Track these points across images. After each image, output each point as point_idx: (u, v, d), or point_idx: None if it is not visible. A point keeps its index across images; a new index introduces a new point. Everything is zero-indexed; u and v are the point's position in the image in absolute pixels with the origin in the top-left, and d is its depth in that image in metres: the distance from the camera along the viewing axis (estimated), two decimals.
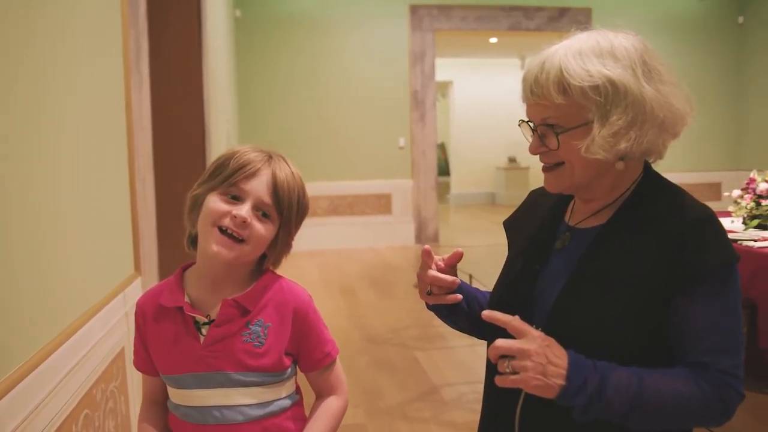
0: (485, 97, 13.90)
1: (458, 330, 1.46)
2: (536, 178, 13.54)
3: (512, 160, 14.01)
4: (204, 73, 4.24)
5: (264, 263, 1.34)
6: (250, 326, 1.27)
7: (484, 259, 6.26)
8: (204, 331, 1.27)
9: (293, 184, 1.29)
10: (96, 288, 1.84)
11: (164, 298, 1.31)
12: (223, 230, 1.24)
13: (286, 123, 8.29)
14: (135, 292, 2.19)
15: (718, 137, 9.24)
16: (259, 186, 1.26)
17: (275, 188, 1.26)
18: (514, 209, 1.49)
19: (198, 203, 1.28)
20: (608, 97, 1.13)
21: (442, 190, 12.46)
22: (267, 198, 1.26)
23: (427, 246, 1.30)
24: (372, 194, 8.64)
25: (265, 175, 1.27)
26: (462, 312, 1.38)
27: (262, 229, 1.26)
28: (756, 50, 9.08)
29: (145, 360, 1.35)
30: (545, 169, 1.25)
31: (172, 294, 1.31)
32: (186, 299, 1.30)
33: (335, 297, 5.91)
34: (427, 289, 1.32)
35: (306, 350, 1.33)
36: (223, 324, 1.27)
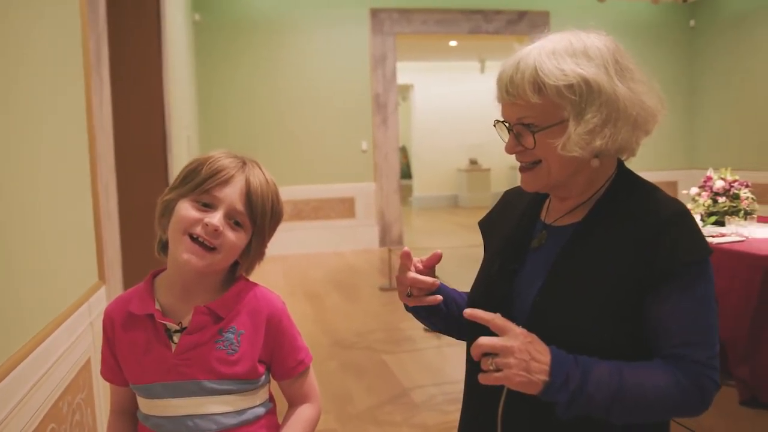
0: (446, 100, 14.00)
1: (436, 331, 1.46)
2: (498, 180, 13.75)
3: (473, 162, 14.11)
4: (164, 77, 4.17)
5: (237, 270, 1.32)
6: (223, 333, 1.25)
7: (449, 260, 6.25)
8: (175, 338, 1.24)
9: (267, 192, 1.27)
10: (60, 298, 1.79)
11: (134, 306, 1.27)
12: (194, 238, 1.22)
13: (248, 127, 8.22)
14: (100, 301, 2.14)
15: (673, 137, 9.46)
16: (232, 193, 1.23)
17: (249, 196, 1.24)
18: (488, 210, 1.50)
19: (169, 208, 1.25)
20: (583, 95, 1.15)
21: (405, 193, 12.48)
22: (240, 206, 1.24)
23: (406, 248, 1.29)
24: (336, 198, 8.62)
25: (239, 182, 1.24)
26: (441, 313, 1.38)
27: (234, 237, 1.23)
28: (707, 52, 9.32)
29: (113, 369, 1.31)
30: (522, 169, 1.25)
31: (142, 301, 1.27)
32: (156, 306, 1.27)
33: (301, 302, 5.87)
34: (407, 291, 1.31)
35: (279, 358, 1.31)
36: (195, 331, 1.24)
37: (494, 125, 1.26)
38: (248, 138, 8.10)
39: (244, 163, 1.27)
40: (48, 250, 1.69)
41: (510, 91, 1.19)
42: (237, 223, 1.24)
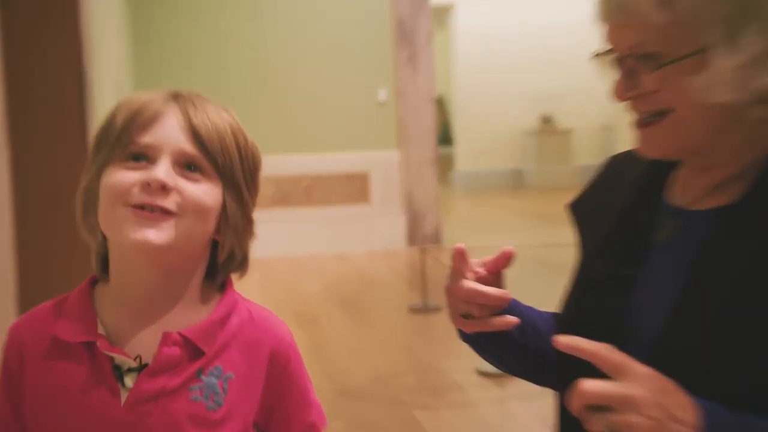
0: (503, 27, 14.09)
1: (505, 370, 1.50)
2: (584, 147, 13.82)
3: (547, 120, 14.19)
4: None
5: (217, 274, 1.30)
6: (203, 377, 1.24)
7: (512, 267, 6.25)
8: (128, 381, 1.22)
9: (222, 123, 1.26)
10: None
11: (62, 327, 1.24)
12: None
13: (211, 70, 8.28)
14: None
15: None
16: (169, 132, 1.22)
17: (194, 131, 1.23)
18: (580, 189, 1.53)
19: (93, 196, 1.23)
20: (735, 8, 1.15)
21: (444, 167, 12.49)
22: (187, 145, 1.22)
23: (460, 245, 1.29)
24: (340, 174, 8.69)
25: (172, 116, 1.24)
26: (512, 343, 1.40)
27: (194, 188, 1.21)
28: None
29: (12, 429, 1.27)
30: (640, 124, 1.26)
31: (75, 320, 1.24)
32: (100, 330, 1.23)
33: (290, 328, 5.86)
34: (463, 311, 1.30)
35: (281, 418, 1.33)
36: (162, 372, 1.21)
37: (594, 57, 1.28)
38: (212, 86, 8.08)
39: (177, 96, 1.26)
40: None
41: (620, 5, 1.19)
42: (194, 169, 1.22)
